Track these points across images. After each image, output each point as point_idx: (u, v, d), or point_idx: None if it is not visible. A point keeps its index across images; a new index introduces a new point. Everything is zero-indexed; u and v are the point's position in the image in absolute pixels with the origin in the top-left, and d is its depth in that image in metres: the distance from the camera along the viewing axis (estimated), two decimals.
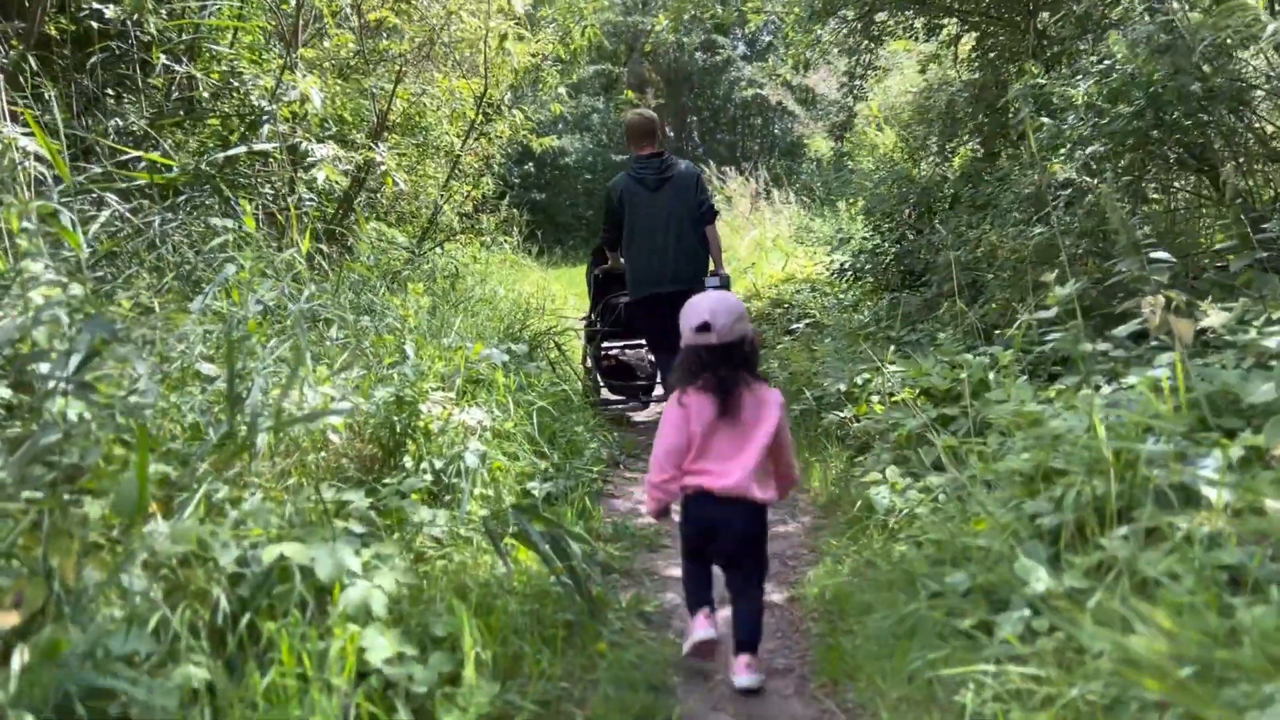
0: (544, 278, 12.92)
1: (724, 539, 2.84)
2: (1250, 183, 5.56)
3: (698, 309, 2.91)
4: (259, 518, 2.57)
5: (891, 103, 9.37)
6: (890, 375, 4.69)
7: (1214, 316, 3.10)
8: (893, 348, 5.54)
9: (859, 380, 5.03)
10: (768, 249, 11.29)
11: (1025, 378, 4.14)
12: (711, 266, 6.09)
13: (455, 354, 4.72)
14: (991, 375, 4.20)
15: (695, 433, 2.82)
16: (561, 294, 12.19)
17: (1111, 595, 2.35)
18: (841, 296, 9.05)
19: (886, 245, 6.98)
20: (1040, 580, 2.51)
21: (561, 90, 8.17)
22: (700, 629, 2.83)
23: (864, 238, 7.10)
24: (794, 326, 8.62)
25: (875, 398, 4.85)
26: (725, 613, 2.99)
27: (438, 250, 7.10)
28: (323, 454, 3.52)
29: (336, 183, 5.31)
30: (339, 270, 4.74)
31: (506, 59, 7.30)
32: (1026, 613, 2.50)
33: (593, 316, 6.76)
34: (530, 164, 17.84)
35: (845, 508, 4.08)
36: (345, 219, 5.74)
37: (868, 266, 6.93)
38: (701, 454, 2.82)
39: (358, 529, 2.75)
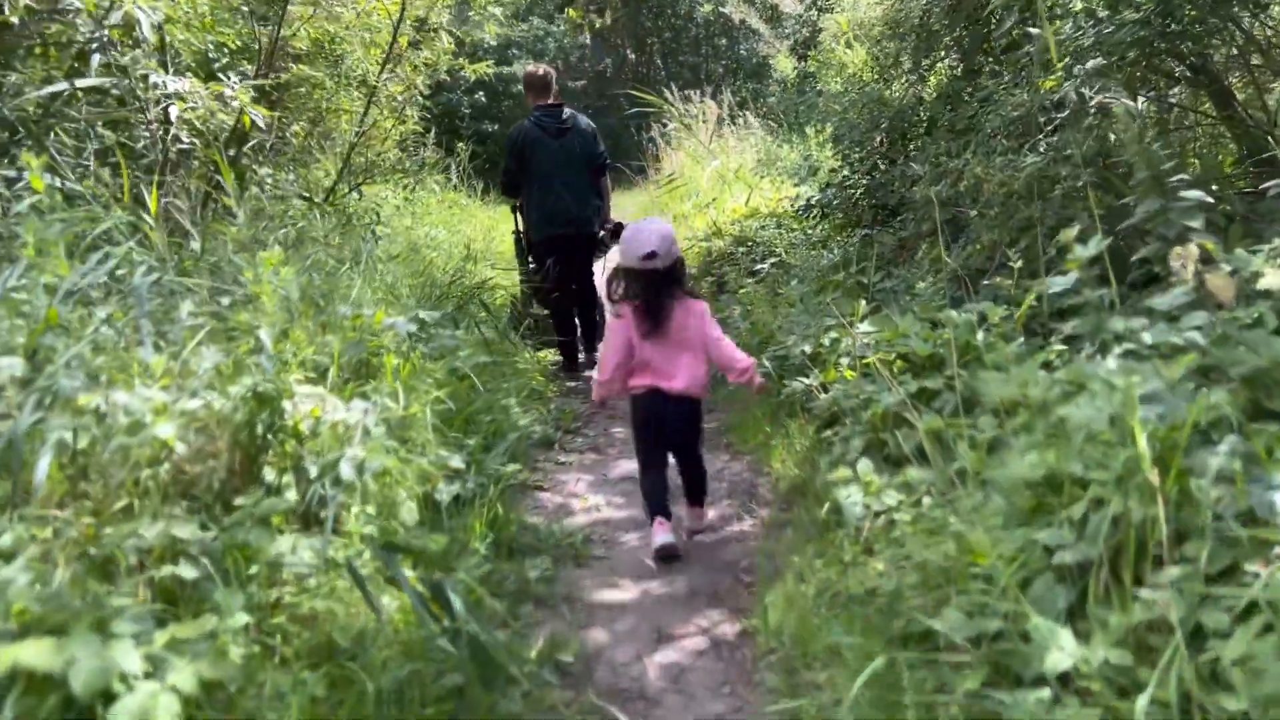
0: (492, 217, 12.09)
1: (673, 428, 3.54)
2: (1265, 100, 4.89)
3: (646, 238, 3.36)
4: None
5: (861, 17, 8.55)
6: (861, 335, 4.02)
7: (1272, 276, 2.43)
8: (864, 300, 4.87)
9: (826, 340, 4.36)
10: (730, 181, 10.52)
11: (1020, 340, 3.49)
12: (605, 217, 6.61)
13: (349, 326, 4.00)
14: (980, 335, 3.55)
15: (638, 341, 3.41)
16: (509, 230, 11.41)
17: (1166, 681, 1.73)
18: (809, 233, 8.36)
19: (856, 177, 6.26)
20: (1063, 651, 1.87)
21: (496, 10, 7.28)
22: (660, 535, 3.34)
23: (832, 169, 6.38)
24: (758, 267, 7.92)
25: (845, 360, 4.20)
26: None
27: (356, 196, 6.30)
28: (166, 466, 2.83)
29: (213, 125, 4.51)
30: (208, 232, 3.98)
31: None
32: (1046, 694, 1.87)
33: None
34: (481, 93, 16.82)
35: (810, 500, 3.45)
36: (233, 168, 4.94)
37: (836, 202, 6.22)
38: (648, 360, 3.44)
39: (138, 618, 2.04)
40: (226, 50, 5.03)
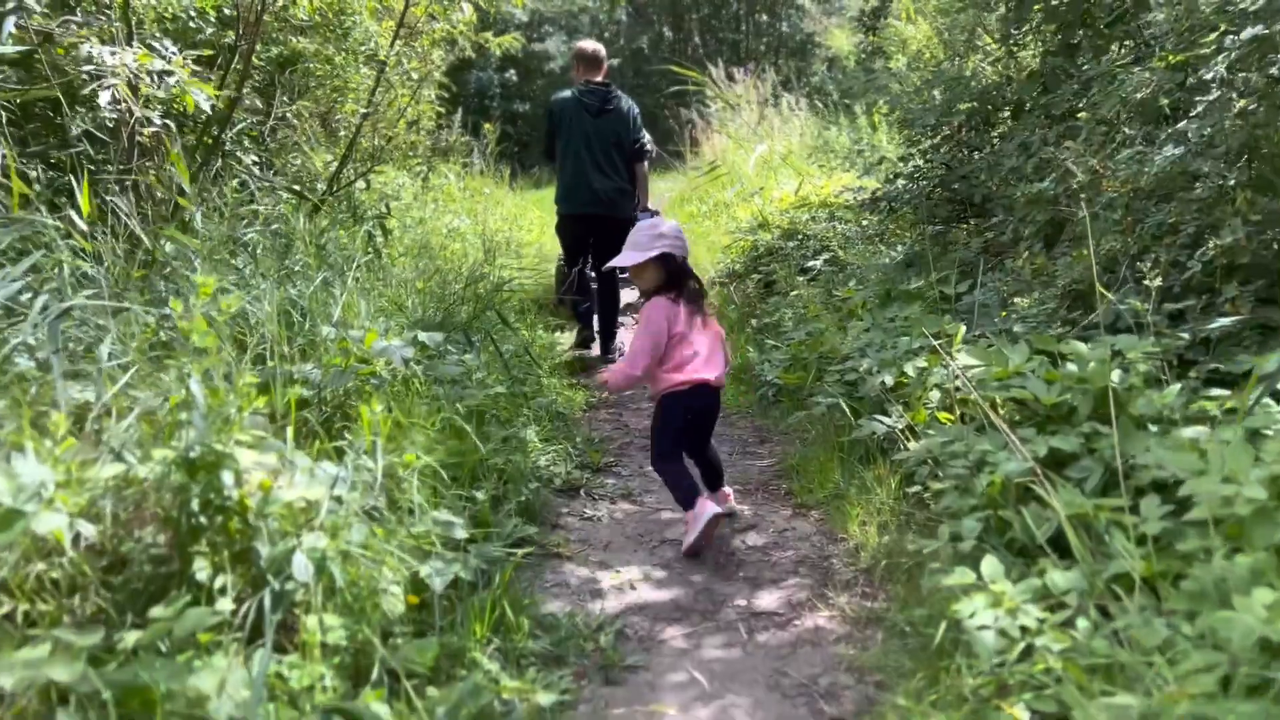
0: (519, 204, 11.36)
1: (709, 417, 3.57)
2: None
3: (673, 223, 3.49)
4: None
5: None
6: (957, 367, 3.26)
7: None
8: (948, 315, 4.10)
9: (910, 369, 3.60)
10: (776, 167, 9.71)
11: (1175, 388, 2.72)
12: (642, 203, 6.60)
13: (334, 349, 3.30)
14: (1116, 375, 2.79)
15: (681, 333, 3.38)
16: (540, 221, 10.68)
17: None
18: (864, 224, 7.57)
19: (929, 167, 5.46)
20: None
21: None
22: (708, 509, 3.23)
23: (900, 158, 5.60)
24: (810, 264, 7.15)
25: (934, 394, 3.44)
26: None
27: (362, 185, 5.60)
28: (64, 559, 2.16)
29: (182, 105, 3.82)
30: (159, 238, 3.29)
31: None
32: None
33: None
34: (512, 71, 16.08)
35: (907, 590, 2.71)
36: (212, 155, 4.26)
37: (907, 197, 5.43)
38: (695, 351, 3.40)
39: None
40: (211, 19, 4.33)
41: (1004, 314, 3.94)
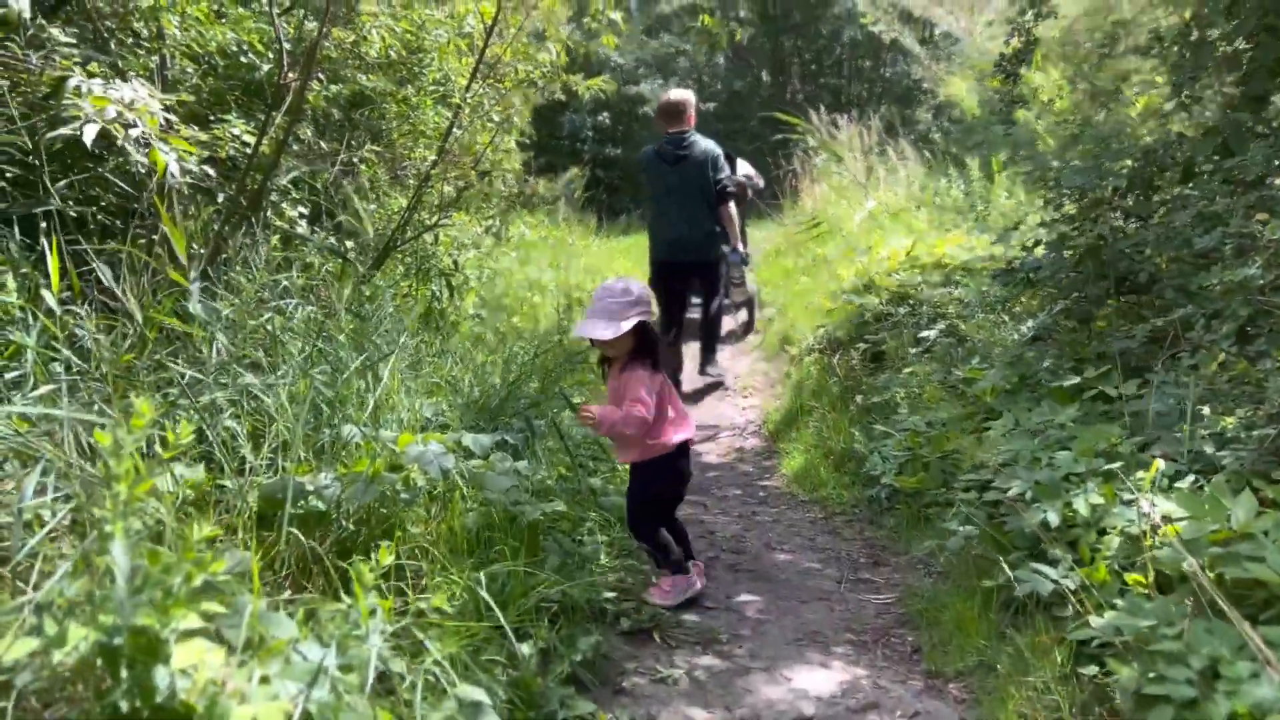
0: (605, 252, 10.79)
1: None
2: None
3: (641, 289, 3.22)
4: None
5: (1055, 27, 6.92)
6: (1155, 515, 2.48)
7: None
8: (1120, 426, 3.31)
9: (1081, 504, 2.82)
10: (885, 224, 8.95)
11: None
12: (731, 243, 6.74)
13: (359, 453, 2.70)
14: None
15: (666, 395, 3.27)
16: (625, 272, 10.08)
17: None
18: (984, 290, 6.76)
19: (1077, 235, 4.67)
20: None
21: (615, 16, 6.00)
22: (697, 583, 3.34)
23: (1042, 223, 4.82)
24: (924, 334, 6.37)
25: (1116, 540, 2.66)
26: None
27: (430, 239, 5.05)
28: None
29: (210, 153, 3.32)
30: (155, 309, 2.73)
31: None
32: None
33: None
34: (605, 115, 15.66)
35: None
36: (252, 208, 3.74)
37: (1053, 270, 4.64)
38: (677, 414, 3.31)
39: None
40: (249, 51, 3.84)
41: (1187, 429, 3.14)
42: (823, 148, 10.50)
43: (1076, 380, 3.68)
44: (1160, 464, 2.73)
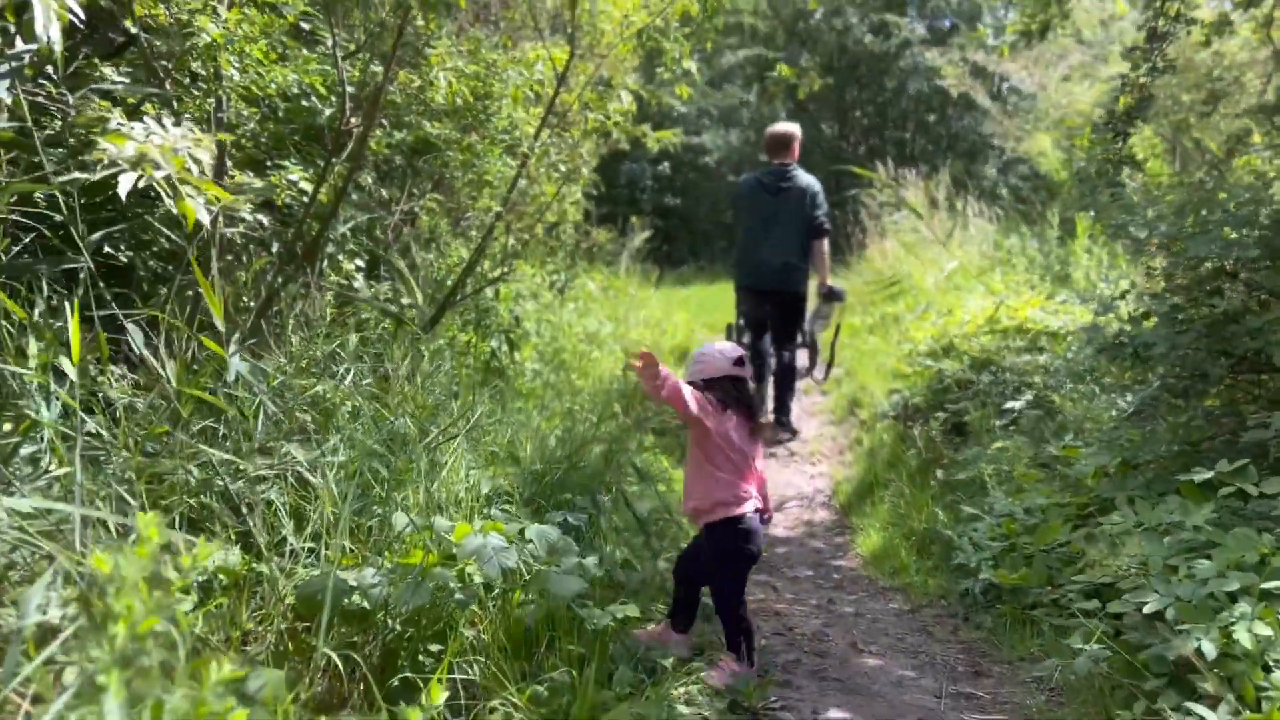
0: (665, 305, 10.50)
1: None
2: None
3: (735, 348, 3.15)
4: None
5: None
6: None
7: None
8: (1266, 533, 2.90)
9: (1241, 632, 2.42)
10: (962, 285, 8.57)
11: None
12: (823, 280, 6.83)
13: (409, 545, 2.40)
14: None
15: (736, 445, 3.02)
16: (685, 325, 9.78)
17: None
18: (1069, 358, 6.36)
19: (1194, 308, 4.27)
20: None
21: (690, 66, 5.75)
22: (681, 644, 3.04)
23: (1152, 294, 4.43)
24: (1010, 406, 5.96)
25: None
26: None
27: (491, 293, 4.79)
28: None
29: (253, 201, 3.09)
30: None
31: (602, 14, 4.98)
32: None
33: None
34: (665, 164, 15.50)
35: None
36: (302, 266, 3.50)
37: (1164, 345, 4.23)
38: (746, 473, 3.04)
39: None
40: (311, 94, 3.62)
41: None
42: (899, 203, 10.15)
43: (1209, 475, 3.27)
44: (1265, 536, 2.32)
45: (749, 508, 2.99)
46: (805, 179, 6.65)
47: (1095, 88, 11.14)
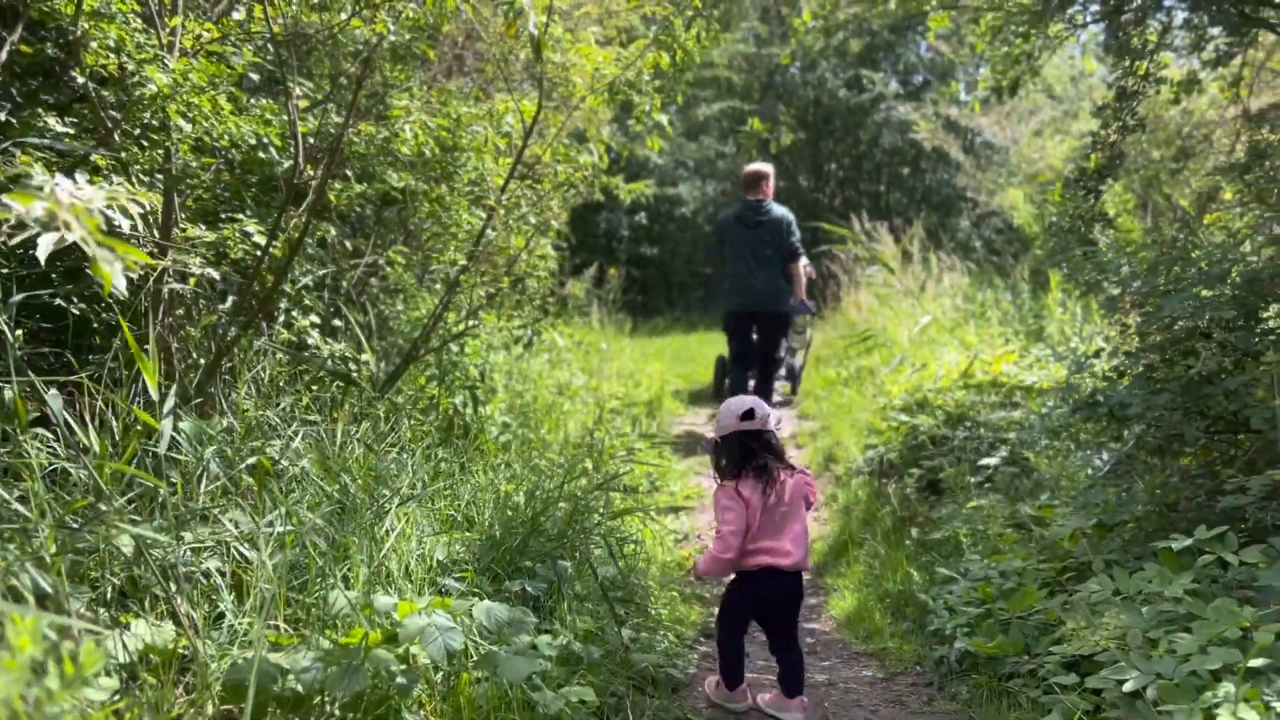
0: (639, 356, 10.41)
1: (786, 605, 3.36)
2: None
3: (739, 403, 3.39)
4: None
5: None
6: None
7: None
8: (1245, 604, 2.80)
9: (1224, 714, 2.31)
10: (936, 338, 8.53)
11: None
12: (798, 296, 7.78)
13: (343, 626, 2.26)
14: None
15: (753, 516, 3.24)
16: (660, 376, 9.68)
17: None
18: (1044, 414, 6.30)
19: (1168, 367, 4.21)
20: None
21: (662, 118, 5.72)
22: (741, 703, 3.40)
23: (1125, 351, 4.36)
24: (985, 463, 5.88)
25: None
26: None
27: (454, 348, 4.68)
28: None
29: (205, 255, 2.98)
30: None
31: (574, 67, 4.94)
32: None
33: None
34: (642, 215, 15.51)
35: None
36: (254, 321, 3.37)
37: (1139, 405, 4.17)
38: (761, 534, 3.26)
39: None
40: (270, 145, 3.52)
41: None
42: (870, 258, 10.16)
43: (1188, 542, 3.17)
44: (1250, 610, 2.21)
45: (755, 562, 3.26)
46: (779, 210, 7.64)
47: (1066, 143, 11.25)
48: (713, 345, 12.10)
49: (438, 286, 4.61)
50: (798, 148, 17.72)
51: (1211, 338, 4.13)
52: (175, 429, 2.82)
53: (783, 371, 8.93)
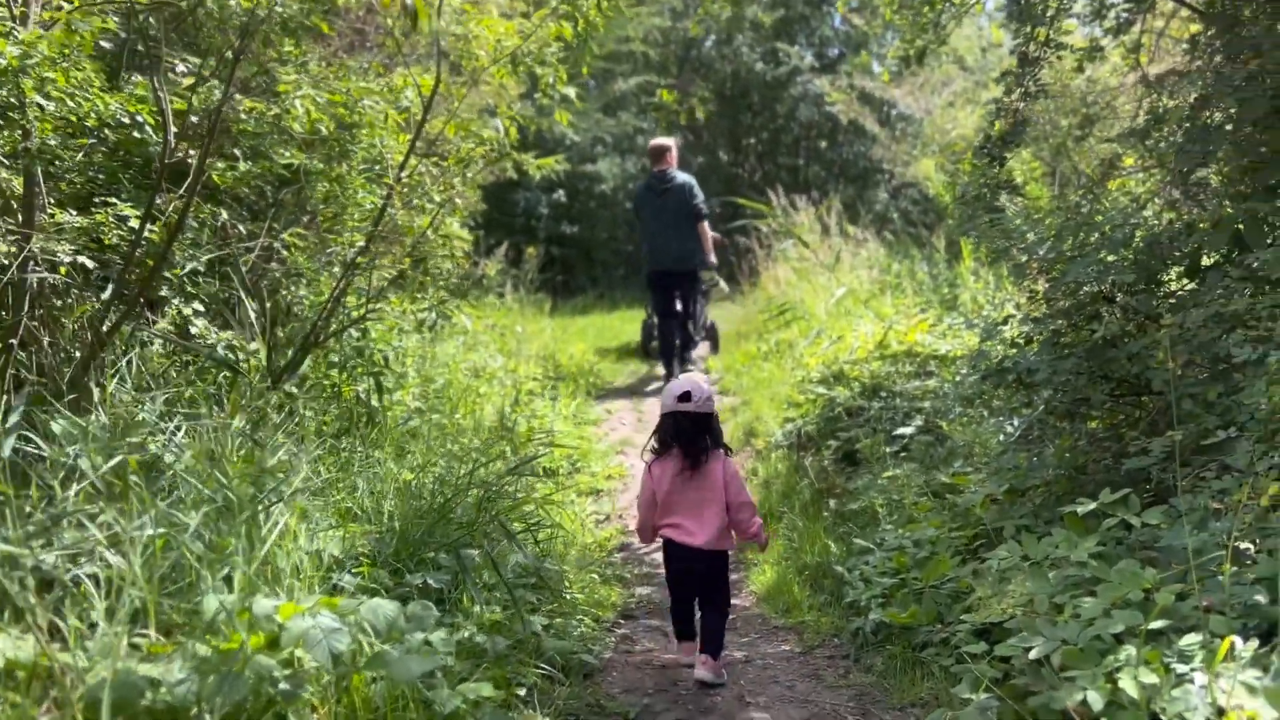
0: (562, 336, 10.29)
1: (696, 579, 3.57)
2: None
3: (681, 384, 3.60)
4: None
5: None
6: (1236, 711, 1.98)
7: None
8: (1151, 567, 2.83)
9: (1126, 679, 2.31)
10: (852, 309, 8.58)
11: None
12: (704, 254, 8.72)
13: (221, 632, 2.13)
14: None
15: (662, 492, 3.52)
16: (580, 355, 9.58)
17: None
18: (958, 382, 6.36)
19: (1074, 332, 4.25)
20: None
21: (568, 91, 5.59)
22: (687, 656, 3.62)
23: (1034, 317, 4.39)
24: (900, 432, 5.92)
25: None
26: None
27: (354, 334, 4.51)
28: None
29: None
30: None
31: (476, 39, 4.78)
32: None
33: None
34: (561, 192, 15.32)
35: None
36: (132, 311, 3.18)
37: (1046, 371, 4.20)
38: (671, 510, 3.53)
39: None
40: (145, 124, 3.30)
41: (1228, 570, 2.65)
42: (786, 231, 10.18)
43: (1092, 506, 3.19)
44: (1233, 642, 2.22)
45: (664, 533, 3.56)
46: (682, 177, 8.56)
47: (977, 113, 11.39)
48: (636, 323, 12.03)
49: (337, 270, 4.44)
50: (716, 122, 17.69)
51: (1114, 302, 4.18)
52: (42, 427, 2.65)
53: (702, 352, 9.89)
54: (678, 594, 3.65)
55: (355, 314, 4.31)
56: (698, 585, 3.58)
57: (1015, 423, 5.30)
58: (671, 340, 8.78)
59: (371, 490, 3.36)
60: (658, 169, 8.54)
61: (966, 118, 11.00)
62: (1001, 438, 5.31)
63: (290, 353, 4.07)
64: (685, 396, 3.50)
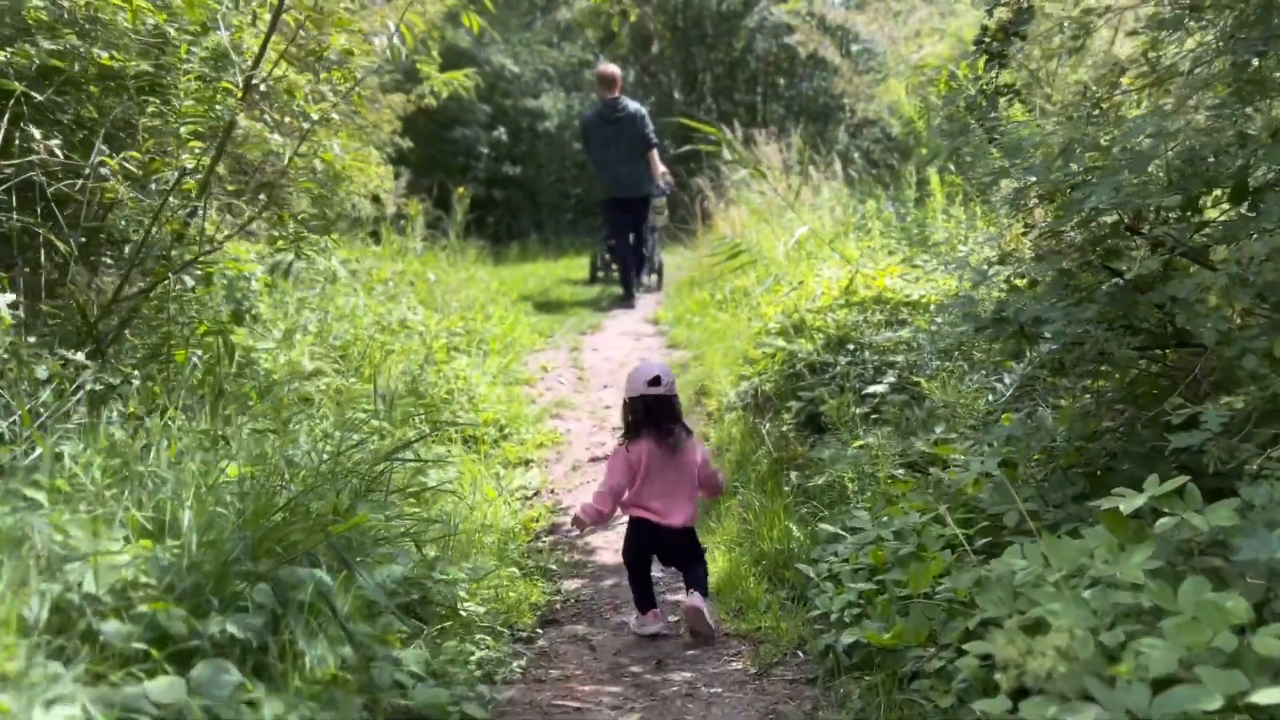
0: (496, 283, 9.36)
1: (673, 555, 3.71)
2: None
3: (649, 368, 3.72)
4: None
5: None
6: None
7: None
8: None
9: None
10: (814, 252, 7.74)
11: None
12: (655, 181, 9.35)
13: None
14: None
15: (638, 472, 3.59)
16: (514, 312, 8.67)
17: None
18: (933, 329, 5.59)
19: (1087, 276, 3.43)
20: None
21: None
22: (653, 623, 3.61)
23: (1035, 259, 3.55)
24: (870, 391, 5.13)
25: None
26: None
27: (187, 282, 3.57)
28: None
29: None
30: None
31: None
32: None
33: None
34: (502, 130, 14.26)
35: None
36: None
37: (1058, 324, 3.37)
38: (646, 493, 3.60)
39: None
40: None
41: None
42: (740, 162, 9.30)
43: (1140, 501, 2.39)
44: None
45: (635, 513, 3.63)
46: (633, 106, 9.04)
47: (945, 42, 10.54)
48: (584, 272, 11.15)
49: (173, 203, 3.49)
50: (669, 57, 16.65)
51: (1139, 234, 3.37)
52: None
53: (652, 281, 10.36)
54: (636, 566, 3.64)
55: (189, 255, 3.38)
56: (676, 558, 3.71)
57: (1007, 380, 4.54)
58: (629, 263, 9.38)
59: (174, 495, 2.47)
60: (609, 97, 8.85)
61: (933, 45, 10.13)
62: (991, 398, 4.56)
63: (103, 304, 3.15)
64: (655, 381, 3.61)
